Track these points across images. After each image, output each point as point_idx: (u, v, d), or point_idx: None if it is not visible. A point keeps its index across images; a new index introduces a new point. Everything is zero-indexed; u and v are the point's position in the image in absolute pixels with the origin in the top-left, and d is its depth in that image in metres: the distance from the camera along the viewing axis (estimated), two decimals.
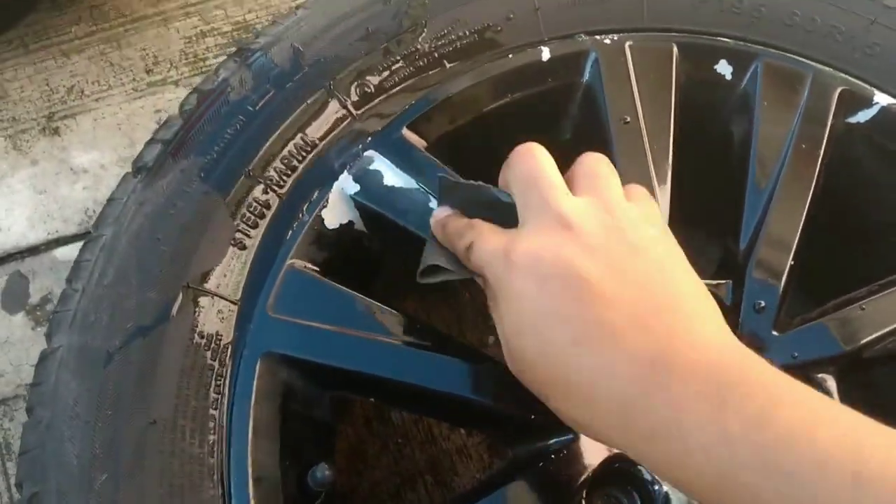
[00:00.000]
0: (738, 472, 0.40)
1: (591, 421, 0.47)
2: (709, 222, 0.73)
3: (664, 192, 0.67)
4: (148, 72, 1.04)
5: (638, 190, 0.54)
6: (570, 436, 0.60)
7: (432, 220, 0.58)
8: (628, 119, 0.68)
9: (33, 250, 0.96)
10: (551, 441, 0.60)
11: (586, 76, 0.71)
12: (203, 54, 1.05)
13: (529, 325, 0.47)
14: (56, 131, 1.00)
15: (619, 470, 0.60)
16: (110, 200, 0.65)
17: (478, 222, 0.54)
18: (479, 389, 0.58)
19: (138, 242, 0.61)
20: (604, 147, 0.68)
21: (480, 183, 0.56)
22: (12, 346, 0.91)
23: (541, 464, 0.58)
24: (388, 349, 0.60)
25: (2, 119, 1.01)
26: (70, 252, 0.96)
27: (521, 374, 0.50)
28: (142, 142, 1.01)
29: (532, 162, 0.53)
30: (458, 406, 0.60)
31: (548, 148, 0.54)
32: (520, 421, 0.59)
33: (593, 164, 0.54)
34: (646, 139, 0.68)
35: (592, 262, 0.46)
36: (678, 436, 0.42)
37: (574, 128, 0.74)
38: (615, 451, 0.60)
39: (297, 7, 0.72)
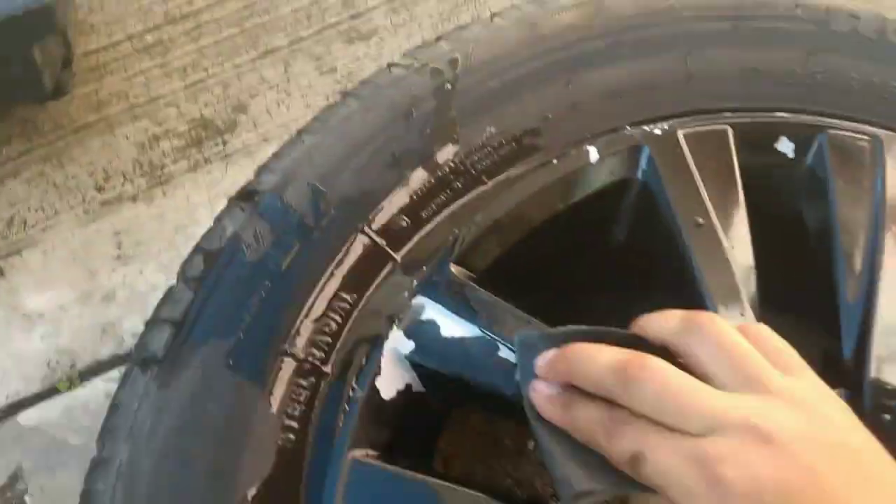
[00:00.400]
0: None
1: None
2: (799, 322, 0.66)
3: (752, 303, 0.59)
4: (99, 189, 0.91)
5: (793, 358, 0.45)
6: None
7: (536, 395, 0.46)
8: (701, 221, 0.60)
9: None
10: None
11: (640, 174, 0.63)
12: (160, 161, 0.93)
13: None
14: (0, 273, 0.87)
15: None
16: (115, 406, 0.53)
17: (630, 417, 0.42)
18: None
19: (166, 467, 0.49)
20: (670, 253, 0.60)
21: (596, 328, 0.46)
22: None
23: None
24: None
25: None
26: (36, 415, 0.83)
27: None
28: (102, 273, 0.88)
29: (724, 332, 0.43)
30: None
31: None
32: None
33: (772, 333, 0.45)
34: (724, 242, 0.59)
35: (819, 481, 0.39)
36: None
37: (630, 230, 0.65)
38: None
39: (300, 132, 0.61)
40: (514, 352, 0.50)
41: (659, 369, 0.42)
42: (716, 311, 0.58)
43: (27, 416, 0.83)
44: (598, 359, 0.44)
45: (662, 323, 0.46)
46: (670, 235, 0.61)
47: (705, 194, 0.61)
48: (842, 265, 0.62)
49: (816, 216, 0.65)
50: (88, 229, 0.89)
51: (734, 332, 0.43)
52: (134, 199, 0.91)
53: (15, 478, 0.80)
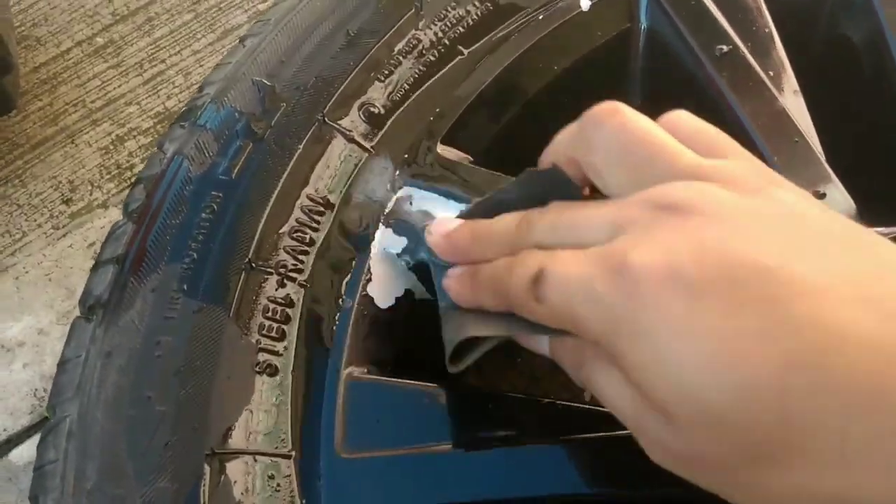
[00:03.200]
0: None
1: (851, 491, 0.27)
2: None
3: (809, 128, 0.49)
4: (66, 202, 0.83)
5: (724, 142, 0.35)
6: None
7: (448, 280, 0.39)
8: (724, 48, 0.50)
9: None
10: None
11: (645, 20, 0.53)
12: (127, 161, 0.85)
13: (701, 366, 0.29)
14: None
15: None
16: (62, 364, 0.44)
17: (531, 242, 0.36)
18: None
19: (120, 413, 0.40)
20: (698, 100, 0.51)
21: (526, 172, 0.38)
22: None
23: None
24: (550, 454, 0.40)
25: None
26: (29, 452, 0.74)
27: (696, 456, 0.30)
28: (81, 288, 0.80)
29: (625, 120, 0.34)
30: None
31: None
32: None
33: (692, 120, 0.36)
34: (759, 70, 0.50)
35: (758, 245, 0.29)
36: None
37: (645, 88, 0.56)
38: None
39: (242, 39, 0.53)
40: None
41: (552, 205, 0.37)
42: (764, 146, 0.48)
43: (19, 454, 0.74)
44: (498, 223, 0.38)
45: (558, 138, 0.38)
46: (693, 79, 0.51)
47: (724, 20, 0.52)
48: None
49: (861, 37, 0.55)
50: (60, 246, 0.81)
51: (641, 121, 0.35)
52: (104, 205, 0.83)
53: None
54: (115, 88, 0.89)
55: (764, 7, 0.52)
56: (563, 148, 0.37)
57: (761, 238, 0.29)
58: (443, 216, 0.42)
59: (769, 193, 0.31)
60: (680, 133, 0.34)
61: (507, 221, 0.38)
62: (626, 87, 0.55)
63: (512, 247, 0.36)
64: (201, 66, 0.90)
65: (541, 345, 0.37)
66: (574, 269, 0.32)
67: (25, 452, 0.74)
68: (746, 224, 0.30)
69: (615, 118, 0.35)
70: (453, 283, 0.39)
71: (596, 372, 0.33)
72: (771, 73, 0.50)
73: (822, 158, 0.47)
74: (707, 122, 0.36)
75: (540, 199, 0.37)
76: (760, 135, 0.47)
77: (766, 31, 0.51)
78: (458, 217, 0.41)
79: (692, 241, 0.30)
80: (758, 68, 0.50)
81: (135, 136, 0.86)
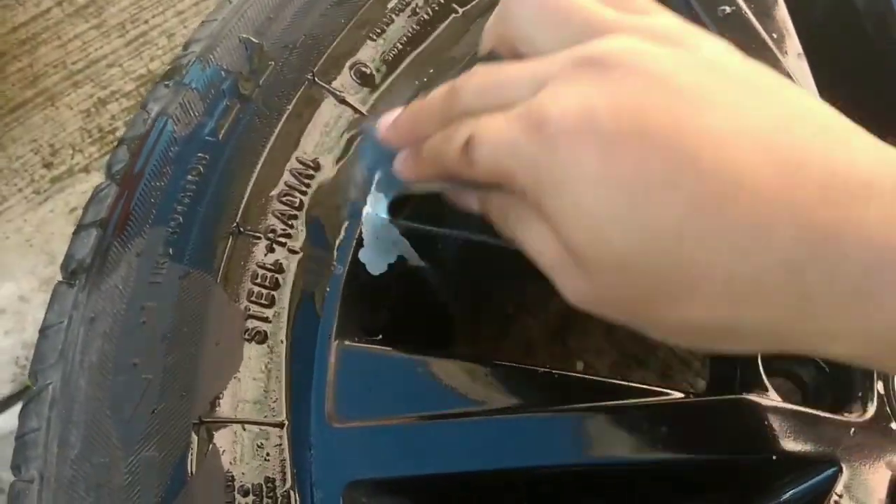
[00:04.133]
0: None
1: (740, 321, 0.31)
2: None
3: (812, 91, 0.48)
4: (47, 166, 0.81)
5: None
6: (834, 468, 0.39)
7: (398, 165, 0.40)
8: (727, 9, 0.49)
9: None
10: (812, 480, 0.39)
11: None
12: (109, 125, 0.83)
13: (610, 212, 0.31)
14: None
15: None
16: (44, 330, 0.42)
17: (460, 110, 0.36)
18: (688, 441, 0.38)
19: (105, 380, 0.39)
20: None
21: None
22: None
23: None
24: (531, 424, 0.39)
25: None
26: (11, 421, 0.72)
27: (604, 297, 0.33)
28: (62, 253, 0.79)
29: None
30: (664, 476, 0.39)
31: None
32: (759, 468, 0.39)
33: None
34: (762, 31, 0.48)
35: (673, 97, 0.30)
36: (892, 284, 0.28)
37: None
38: None
39: None
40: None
41: (479, 68, 0.36)
42: None
43: (2, 424, 0.73)
44: (430, 97, 0.38)
45: (488, 22, 0.38)
46: None
47: None
48: None
49: None
50: (41, 211, 0.80)
51: None
52: (86, 170, 0.81)
53: None
54: (96, 50, 0.86)
55: None
56: (492, 27, 0.38)
57: (675, 90, 0.30)
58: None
59: (691, 44, 0.32)
60: None
61: (438, 93, 0.38)
62: None
63: (444, 115, 0.37)
64: (185, 27, 0.87)
65: (471, 204, 0.39)
66: (500, 128, 0.33)
67: (7, 422, 0.73)
68: (663, 76, 0.30)
69: None
70: (399, 165, 0.40)
71: (521, 222, 0.35)
72: (774, 35, 0.49)
73: None
74: None
75: None
76: None
77: None
78: None
79: (609, 93, 0.30)
80: (761, 30, 0.48)
81: (117, 99, 0.84)
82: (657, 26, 0.33)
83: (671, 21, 0.34)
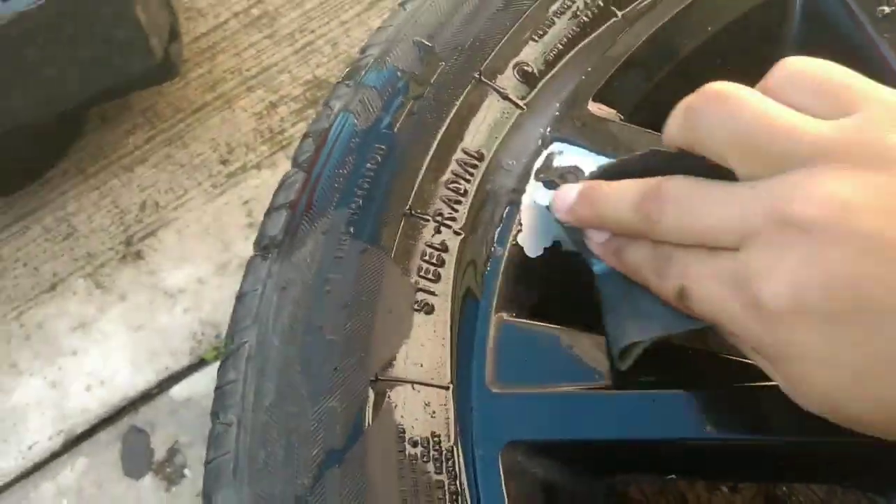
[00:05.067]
0: None
1: None
2: None
3: None
4: (223, 162, 0.89)
5: (851, 89, 0.33)
6: None
7: (593, 244, 0.42)
8: (887, 9, 0.50)
9: (145, 397, 0.80)
10: None
11: None
12: (279, 126, 0.90)
13: (840, 388, 0.31)
14: (138, 255, 0.86)
15: None
16: (241, 296, 0.48)
17: (673, 249, 0.37)
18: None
19: (295, 340, 0.44)
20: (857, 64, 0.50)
21: (651, 150, 0.39)
22: None
23: None
24: (677, 400, 0.41)
25: (76, 258, 0.87)
26: (188, 389, 0.80)
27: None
28: (236, 242, 0.86)
29: (732, 105, 0.34)
30: (814, 457, 0.41)
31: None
32: None
33: (806, 72, 0.34)
34: None
35: (884, 261, 0.29)
36: None
37: (801, 52, 0.55)
38: None
39: (402, 3, 0.56)
40: None
41: (673, 190, 0.36)
42: None
43: (179, 391, 0.81)
44: (616, 198, 0.39)
45: (671, 120, 0.37)
46: (851, 42, 0.51)
47: None
48: None
49: None
50: (218, 203, 0.88)
51: (749, 102, 0.33)
52: (258, 167, 0.89)
53: (173, 452, 0.78)
54: (268, 57, 0.94)
55: None
56: (678, 132, 0.37)
57: (886, 251, 0.29)
58: (564, 186, 0.45)
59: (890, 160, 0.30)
60: (795, 88, 0.33)
61: (622, 191, 0.38)
62: (780, 50, 0.55)
63: (632, 229, 0.38)
64: (348, 36, 0.94)
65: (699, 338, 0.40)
66: (712, 290, 0.34)
67: (185, 389, 0.81)
68: (871, 236, 0.29)
69: (719, 105, 0.34)
70: (600, 250, 0.41)
71: (754, 357, 0.36)
72: None
73: None
74: None
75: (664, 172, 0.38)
76: None
77: None
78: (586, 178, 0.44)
79: (817, 267, 0.30)
80: None
81: (286, 103, 0.92)
82: (862, 142, 0.31)
83: (878, 118, 0.31)
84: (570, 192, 0.43)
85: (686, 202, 0.35)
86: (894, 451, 0.37)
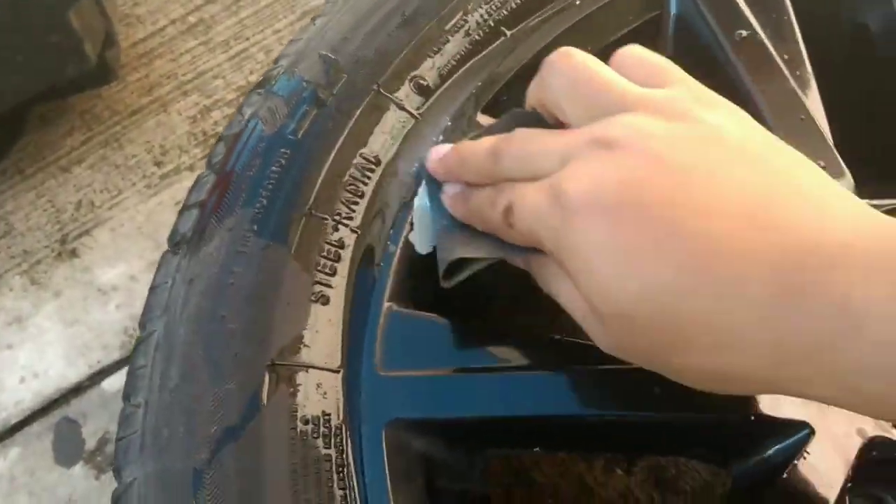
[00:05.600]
0: None
1: (729, 364, 0.35)
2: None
3: (817, 108, 0.53)
4: (158, 164, 0.93)
5: (670, 71, 0.41)
6: (806, 430, 0.45)
7: (445, 196, 0.47)
8: (744, 33, 0.55)
9: (77, 390, 0.83)
10: (787, 442, 0.45)
11: (673, 6, 0.59)
12: (212, 130, 0.94)
13: (614, 275, 0.36)
14: (73, 253, 0.89)
15: (882, 460, 0.45)
16: (153, 288, 0.52)
17: (508, 183, 0.43)
18: (676, 400, 0.44)
19: (199, 328, 0.48)
20: (719, 80, 0.56)
21: (511, 112, 0.46)
22: None
23: (784, 475, 0.44)
24: (544, 380, 0.46)
25: (13, 255, 0.89)
26: (119, 382, 0.83)
27: (619, 343, 0.39)
28: None
29: (574, 62, 0.41)
30: (655, 428, 0.46)
31: None
32: (739, 426, 0.45)
33: (637, 53, 0.42)
34: (774, 53, 0.54)
35: (669, 170, 0.36)
36: (852, 338, 0.32)
37: None
38: (871, 437, 0.45)
39: (313, 18, 0.60)
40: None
41: (520, 135, 0.43)
42: (772, 121, 0.53)
43: (111, 383, 0.84)
44: (477, 146, 0.45)
45: (531, 84, 0.44)
46: (715, 61, 0.57)
47: (746, 7, 0.57)
48: None
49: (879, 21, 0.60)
50: (151, 203, 0.91)
51: (587, 61, 0.41)
52: (191, 168, 0.93)
53: (103, 442, 0.81)
54: (203, 63, 0.98)
55: None
56: (533, 92, 0.44)
57: (669, 165, 0.35)
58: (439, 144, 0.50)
59: (694, 116, 0.37)
60: (626, 66, 0.41)
61: (482, 144, 0.44)
62: None
63: (487, 172, 0.44)
64: (281, 44, 0.98)
65: (518, 262, 0.45)
66: (531, 199, 0.39)
67: (116, 382, 0.84)
68: (660, 154, 0.36)
69: (565, 60, 0.41)
70: (449, 200, 0.47)
71: (556, 281, 0.41)
72: (786, 57, 0.55)
73: (826, 135, 0.52)
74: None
75: None
76: (770, 112, 0.52)
77: (785, 18, 0.56)
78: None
79: (615, 172, 0.36)
80: (773, 52, 0.55)
81: (220, 107, 0.95)
82: (666, 98, 0.38)
83: (682, 92, 0.38)
84: (443, 147, 0.48)
85: (526, 141, 0.42)
86: (728, 423, 0.43)
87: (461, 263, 0.46)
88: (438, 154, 0.48)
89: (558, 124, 0.43)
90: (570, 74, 0.40)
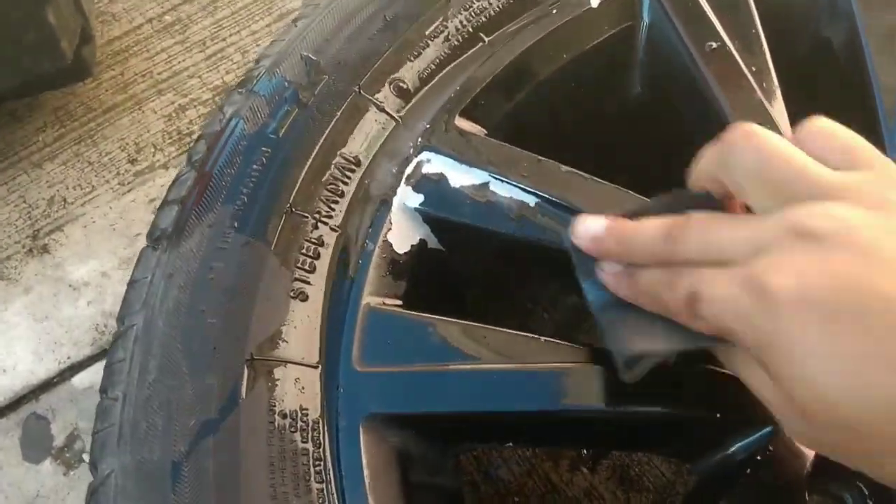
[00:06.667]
0: None
1: None
2: None
3: (783, 118, 0.55)
4: (132, 161, 0.93)
5: (859, 150, 0.38)
6: (770, 427, 0.47)
7: (607, 276, 0.43)
8: (714, 45, 0.57)
9: (46, 385, 0.83)
10: (751, 438, 0.47)
11: (647, 16, 0.60)
12: (187, 129, 0.94)
13: (834, 384, 0.34)
14: (45, 249, 0.89)
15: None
16: (132, 283, 0.52)
17: (687, 266, 0.39)
18: (644, 398, 0.46)
19: (179, 322, 0.49)
20: (688, 89, 0.58)
21: (673, 192, 0.43)
22: (45, 500, 0.78)
23: (748, 470, 0.45)
24: (515, 376, 0.47)
25: None
26: (89, 377, 0.83)
27: (824, 445, 0.37)
28: (141, 238, 0.90)
29: (761, 143, 0.38)
30: (623, 423, 0.47)
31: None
32: (706, 425, 0.47)
33: (826, 130, 0.39)
34: (742, 64, 0.56)
35: (883, 265, 0.33)
36: None
37: (645, 78, 0.63)
38: None
39: (294, 20, 0.61)
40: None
41: (698, 219, 0.39)
42: None
43: (81, 379, 0.84)
44: (643, 230, 0.41)
45: (701, 160, 0.41)
46: (685, 71, 0.58)
47: (716, 20, 0.59)
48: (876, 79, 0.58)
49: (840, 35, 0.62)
50: (124, 200, 0.91)
51: (777, 143, 0.37)
52: (165, 166, 0.93)
53: (72, 438, 0.81)
54: (179, 62, 0.98)
55: (753, 9, 0.59)
56: (705, 169, 0.41)
57: (885, 260, 0.33)
58: (584, 217, 0.45)
59: (892, 204, 0.35)
60: (814, 142, 0.38)
61: (651, 227, 0.41)
62: (627, 76, 0.62)
63: (661, 255, 0.40)
64: (258, 45, 0.99)
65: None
66: (723, 290, 0.36)
67: (86, 378, 0.84)
68: (873, 248, 0.33)
69: (750, 141, 0.38)
70: (611, 280, 0.43)
71: (746, 367, 0.38)
72: (753, 69, 0.57)
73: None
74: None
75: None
76: (736, 121, 0.54)
77: (753, 31, 0.58)
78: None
79: (824, 267, 0.34)
80: (741, 63, 0.56)
81: (195, 106, 0.96)
82: (865, 186, 0.35)
83: (878, 176, 0.36)
84: (594, 224, 0.44)
85: (708, 225, 0.39)
86: (694, 420, 0.44)
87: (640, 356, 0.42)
88: (589, 231, 0.44)
89: (731, 207, 0.41)
90: (758, 156, 0.38)
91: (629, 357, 0.41)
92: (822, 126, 0.39)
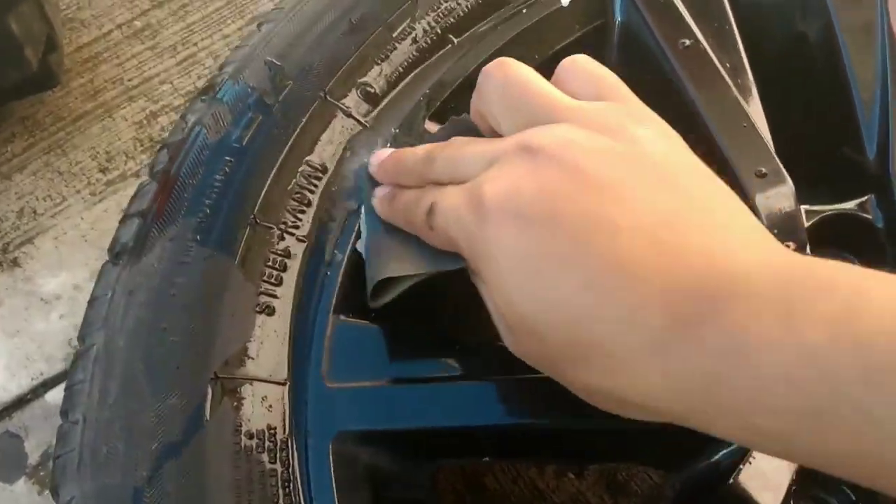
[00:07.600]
0: (835, 393, 0.28)
1: (624, 389, 0.34)
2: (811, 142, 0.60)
3: (759, 115, 0.54)
4: (103, 171, 0.91)
5: (611, 85, 0.40)
6: None
7: (375, 199, 0.47)
8: (687, 42, 0.56)
9: (19, 402, 0.81)
10: (734, 446, 0.45)
11: (619, 14, 0.59)
12: (159, 135, 0.92)
13: (519, 284, 0.35)
14: (15, 262, 0.86)
15: None
16: (92, 300, 0.51)
17: (436, 180, 0.42)
18: None
19: (140, 340, 0.47)
20: (662, 88, 0.56)
21: (451, 119, 0.46)
22: None
23: (731, 479, 0.44)
24: (492, 390, 0.46)
25: None
26: (63, 394, 0.81)
27: (526, 351, 0.38)
28: None
29: (508, 71, 0.40)
30: (605, 438, 0.46)
31: None
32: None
33: (580, 65, 0.41)
34: (716, 62, 0.55)
35: (586, 183, 0.34)
36: (744, 374, 0.30)
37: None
38: None
39: (259, 24, 0.59)
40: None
41: (452, 142, 0.43)
42: (715, 129, 0.53)
43: (54, 396, 0.82)
44: (413, 153, 0.45)
45: (473, 94, 0.44)
46: (659, 69, 0.57)
47: (689, 17, 0.57)
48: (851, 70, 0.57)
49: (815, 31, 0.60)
50: (96, 210, 0.89)
51: (521, 71, 0.40)
52: (137, 175, 0.91)
53: (47, 456, 0.79)
54: (150, 68, 0.96)
55: (727, 6, 0.58)
56: (473, 102, 0.44)
57: (588, 181, 0.34)
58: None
59: (622, 131, 0.36)
60: (567, 77, 0.40)
61: (420, 150, 0.44)
62: None
63: (419, 175, 0.43)
64: (230, 49, 0.97)
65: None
66: (451, 201, 0.39)
67: (60, 395, 0.81)
68: (581, 168, 0.35)
69: (500, 70, 0.41)
70: (377, 201, 0.46)
71: (475, 281, 0.40)
72: (728, 66, 0.55)
73: (768, 142, 0.52)
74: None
75: None
76: (713, 119, 0.53)
77: (727, 27, 0.57)
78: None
79: (532, 178, 0.35)
80: (716, 60, 0.55)
81: (167, 113, 0.94)
82: (598, 113, 0.37)
83: (615, 107, 0.38)
84: (384, 151, 0.48)
85: (459, 147, 0.42)
86: (677, 429, 0.43)
87: (389, 282, 0.44)
88: (379, 158, 0.48)
89: (494, 134, 0.43)
90: (503, 84, 0.40)
91: (378, 281, 0.44)
92: (577, 62, 0.41)
